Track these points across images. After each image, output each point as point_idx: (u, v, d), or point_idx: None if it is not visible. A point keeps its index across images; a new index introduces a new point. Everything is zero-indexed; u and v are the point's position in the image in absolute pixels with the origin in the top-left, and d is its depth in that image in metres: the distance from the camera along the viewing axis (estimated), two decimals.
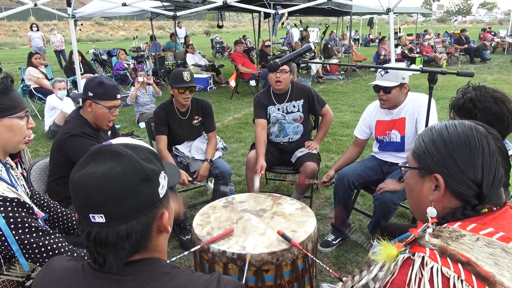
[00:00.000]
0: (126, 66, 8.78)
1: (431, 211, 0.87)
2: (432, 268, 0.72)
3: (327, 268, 1.67)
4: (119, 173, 0.76)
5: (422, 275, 0.73)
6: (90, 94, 2.10)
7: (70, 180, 0.79)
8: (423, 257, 0.75)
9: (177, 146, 2.97)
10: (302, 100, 2.95)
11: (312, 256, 1.64)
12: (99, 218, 0.76)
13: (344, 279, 1.31)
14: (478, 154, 0.83)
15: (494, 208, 0.85)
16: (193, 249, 1.67)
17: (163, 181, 0.84)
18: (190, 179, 2.71)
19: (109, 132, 2.38)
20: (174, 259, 1.82)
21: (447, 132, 0.87)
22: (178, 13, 7.99)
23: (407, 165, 0.95)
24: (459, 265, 0.71)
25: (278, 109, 2.96)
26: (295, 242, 1.59)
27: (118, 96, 2.16)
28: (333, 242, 2.63)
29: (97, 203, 0.75)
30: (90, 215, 0.76)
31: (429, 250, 0.75)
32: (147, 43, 13.65)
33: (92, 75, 7.56)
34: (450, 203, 0.86)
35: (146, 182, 0.79)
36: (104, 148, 0.80)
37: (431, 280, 0.71)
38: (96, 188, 0.75)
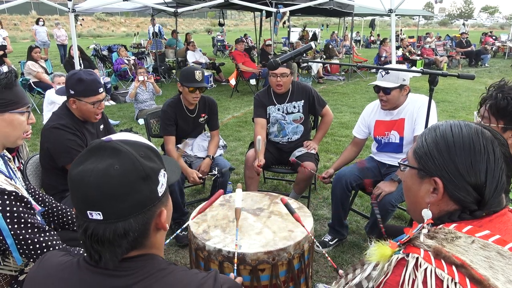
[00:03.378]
0: (127, 62, 8.76)
1: (426, 214, 0.86)
2: (426, 269, 0.71)
3: (326, 255, 1.65)
4: (118, 171, 0.75)
5: (415, 276, 0.72)
6: (72, 91, 2.04)
7: (68, 175, 0.78)
8: (417, 258, 0.74)
9: (179, 146, 2.96)
10: (303, 101, 2.93)
11: (310, 234, 1.63)
12: (96, 215, 0.75)
13: (340, 271, 1.30)
14: (482, 160, 0.80)
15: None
16: (184, 225, 1.68)
17: (163, 179, 0.82)
18: (200, 175, 2.73)
19: (102, 126, 2.33)
20: (167, 241, 1.84)
21: (451, 135, 0.84)
22: (179, 10, 7.98)
23: (406, 163, 0.93)
24: (453, 268, 0.70)
25: (278, 110, 2.95)
26: (298, 216, 1.59)
27: (100, 90, 2.07)
28: (330, 242, 2.63)
29: (95, 201, 0.74)
30: (88, 211, 0.75)
31: (424, 251, 0.75)
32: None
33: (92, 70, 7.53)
34: (447, 206, 0.85)
35: (145, 180, 0.77)
36: (104, 144, 0.78)
37: (424, 282, 0.70)
38: (95, 185, 0.74)
